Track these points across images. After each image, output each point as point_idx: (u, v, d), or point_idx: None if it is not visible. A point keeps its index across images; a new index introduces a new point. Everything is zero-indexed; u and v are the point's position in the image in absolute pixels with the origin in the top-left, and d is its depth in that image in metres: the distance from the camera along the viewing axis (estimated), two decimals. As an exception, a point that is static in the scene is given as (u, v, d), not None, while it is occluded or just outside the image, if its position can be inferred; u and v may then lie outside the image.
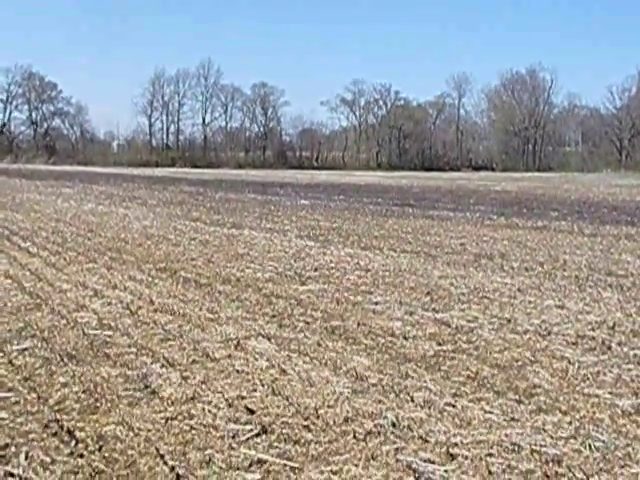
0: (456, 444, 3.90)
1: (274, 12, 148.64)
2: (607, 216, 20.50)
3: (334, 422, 4.18)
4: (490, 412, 4.37)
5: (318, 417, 4.25)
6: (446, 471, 3.60)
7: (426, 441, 3.94)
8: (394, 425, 4.15)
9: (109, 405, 4.40)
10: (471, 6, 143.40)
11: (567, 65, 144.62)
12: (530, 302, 7.69)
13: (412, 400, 4.56)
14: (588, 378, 5.03)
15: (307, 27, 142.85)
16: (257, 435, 3.97)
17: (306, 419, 4.22)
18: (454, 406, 4.47)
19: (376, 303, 7.53)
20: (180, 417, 4.22)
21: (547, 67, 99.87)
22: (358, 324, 6.57)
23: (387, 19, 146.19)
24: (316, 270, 9.66)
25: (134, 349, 5.66)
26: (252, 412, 4.30)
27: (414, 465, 3.66)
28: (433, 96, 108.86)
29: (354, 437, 3.98)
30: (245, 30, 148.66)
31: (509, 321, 6.78)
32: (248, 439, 3.92)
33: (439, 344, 5.93)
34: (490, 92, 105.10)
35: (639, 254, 11.87)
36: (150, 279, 8.89)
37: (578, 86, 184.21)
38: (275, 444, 3.87)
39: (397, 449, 3.84)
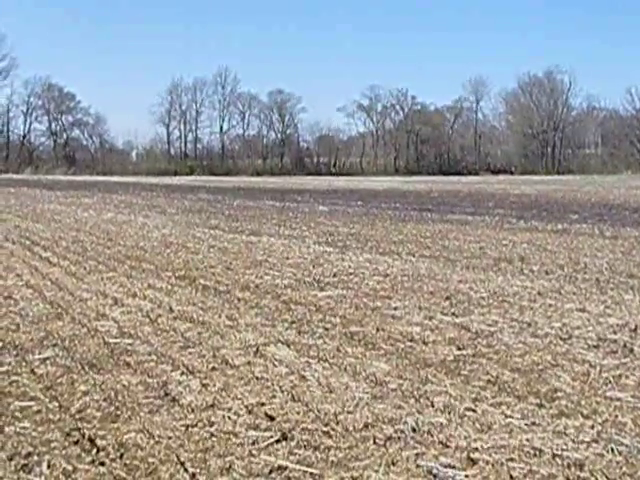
0: (477, 449, 3.88)
1: (289, 19, 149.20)
2: (628, 218, 20.33)
3: (354, 428, 4.18)
4: (511, 416, 4.34)
5: (338, 423, 4.25)
6: (467, 476, 3.58)
7: (446, 446, 3.93)
8: (414, 430, 4.13)
9: (130, 413, 4.42)
10: (486, 9, 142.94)
11: (585, 67, 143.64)
12: (550, 305, 7.64)
13: (432, 405, 4.55)
14: (610, 381, 4.99)
15: (323, 34, 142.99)
16: (277, 441, 3.98)
17: (326, 425, 4.21)
18: (474, 411, 4.45)
19: (395, 308, 7.51)
20: (200, 424, 4.23)
21: (565, 69, 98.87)
22: (377, 329, 6.56)
23: (402, 25, 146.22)
24: (335, 276, 9.67)
25: (154, 357, 5.69)
26: (272, 419, 4.31)
27: (434, 470, 3.64)
28: (450, 100, 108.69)
29: (374, 443, 3.97)
30: (261, 38, 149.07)
31: (529, 325, 6.74)
32: (268, 446, 3.93)
33: (459, 349, 5.90)
34: (508, 95, 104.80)
35: (661, 256, 11.76)
36: (169, 287, 8.93)
37: (597, 88, 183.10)
38: (295, 450, 3.87)
39: (417, 454, 3.83)
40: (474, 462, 3.73)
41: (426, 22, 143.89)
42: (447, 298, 8.05)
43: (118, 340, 6.23)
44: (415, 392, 4.79)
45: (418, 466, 3.70)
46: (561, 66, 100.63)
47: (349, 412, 4.42)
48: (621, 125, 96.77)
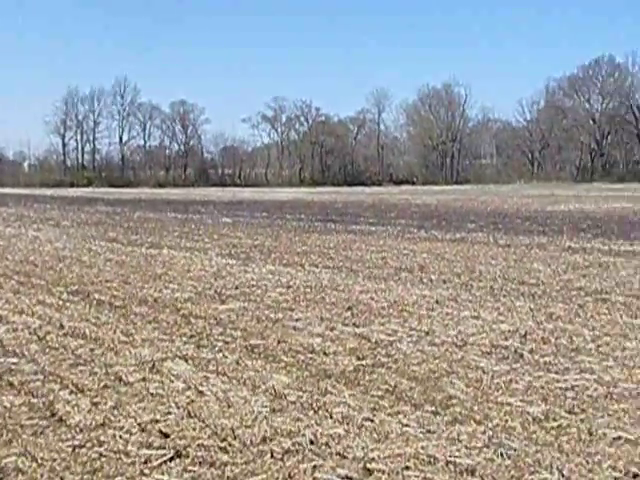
0: (373, 459, 3.90)
1: (190, 35, 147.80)
2: (520, 226, 21.11)
3: (251, 442, 4.13)
4: (407, 425, 4.40)
5: (235, 438, 4.20)
6: (363, 487, 3.60)
7: (344, 457, 3.94)
8: (312, 442, 4.13)
9: (11, 435, 4.23)
10: (389, 23, 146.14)
11: (481, 80, 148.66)
12: (447, 314, 7.82)
13: (331, 416, 4.56)
14: (501, 387, 5.14)
15: (226, 50, 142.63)
16: (170, 459, 3.89)
17: (222, 440, 4.15)
18: (372, 421, 4.48)
19: (297, 320, 7.51)
20: (89, 444, 4.09)
21: (462, 82, 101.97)
22: (278, 342, 6.54)
23: (304, 41, 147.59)
24: (237, 288, 9.59)
25: (40, 376, 5.47)
26: (166, 436, 4.21)
27: (331, 482, 3.64)
28: (354, 112, 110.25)
29: (272, 456, 3.94)
30: (162, 49, 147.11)
31: (427, 333, 6.87)
32: (161, 464, 3.84)
33: (359, 359, 5.95)
34: (408, 107, 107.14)
35: (549, 263, 12.25)
36: (61, 303, 8.63)
37: (491, 100, 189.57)
38: (189, 468, 3.79)
39: (315, 467, 3.82)
40: (370, 472, 3.75)
41: (328, 36, 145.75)
42: (349, 308, 8.11)
43: (1, 360, 5.95)
44: (314, 404, 4.79)
45: (315, 479, 3.69)
46: (458, 78, 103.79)
47: (247, 426, 4.38)
48: (513, 136, 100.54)
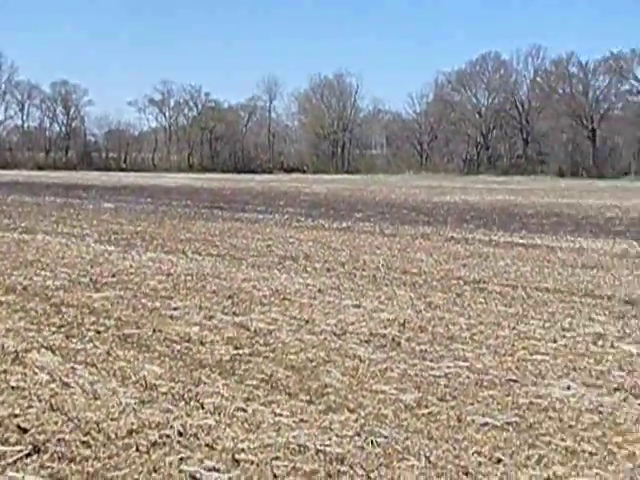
0: (243, 449, 3.82)
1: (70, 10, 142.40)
2: (407, 216, 21.55)
3: (116, 435, 3.96)
4: (280, 414, 4.34)
5: (99, 431, 4.01)
6: (230, 478, 3.51)
7: (213, 448, 3.83)
8: (181, 434, 4.00)
9: None
10: (281, 10, 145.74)
11: (372, 71, 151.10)
12: (329, 302, 7.83)
13: (202, 407, 4.44)
14: (377, 375, 5.16)
15: (110, 27, 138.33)
16: (27, 455, 3.67)
17: (86, 434, 3.96)
18: (245, 410, 4.40)
19: (175, 308, 7.32)
20: (-62, 443, 3.81)
21: (353, 72, 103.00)
22: (154, 331, 6.34)
23: (197, 20, 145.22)
24: (114, 276, 9.26)
25: None
26: (25, 431, 3.97)
27: (198, 475, 3.54)
28: (244, 99, 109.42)
29: (137, 450, 3.79)
30: (37, 25, 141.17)
31: (307, 322, 6.85)
32: (16, 461, 3.61)
33: (236, 348, 5.85)
34: (300, 96, 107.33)
35: (432, 252, 12.54)
36: None
37: (383, 92, 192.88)
38: (47, 464, 3.59)
39: (182, 459, 3.70)
40: (239, 463, 3.67)
41: (222, 19, 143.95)
42: (229, 297, 7.98)
43: None
44: (186, 394, 4.65)
45: (181, 471, 3.57)
46: (350, 68, 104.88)
47: (113, 419, 4.20)
48: (403, 128, 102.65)
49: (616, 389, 4.94)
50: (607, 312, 7.54)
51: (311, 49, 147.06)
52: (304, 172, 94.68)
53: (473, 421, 4.27)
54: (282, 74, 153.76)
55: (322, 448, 3.83)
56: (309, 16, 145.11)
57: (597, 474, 3.62)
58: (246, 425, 4.16)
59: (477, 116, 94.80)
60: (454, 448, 3.86)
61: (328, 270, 10.21)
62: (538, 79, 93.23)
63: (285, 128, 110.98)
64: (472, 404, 4.58)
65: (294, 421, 4.23)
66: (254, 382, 4.96)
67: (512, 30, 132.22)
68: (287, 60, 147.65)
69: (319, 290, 8.55)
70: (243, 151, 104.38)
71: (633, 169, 79.23)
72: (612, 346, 6.13)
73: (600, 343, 6.23)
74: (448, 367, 5.39)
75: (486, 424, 4.22)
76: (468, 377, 5.16)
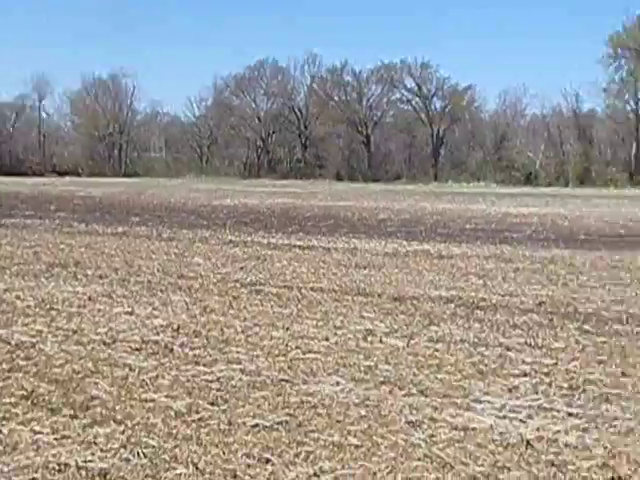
0: (-3, 474, 3.53)
1: None
2: (185, 220, 21.32)
3: None
4: (40, 432, 4.07)
5: None
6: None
7: (-40, 477, 3.50)
8: None
9: None
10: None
11: (149, 74, 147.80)
12: (100, 310, 7.51)
13: (-51, 432, 4.04)
14: (147, 383, 5.01)
15: None
16: None
17: None
18: (0, 432, 4.07)
19: None
20: None
21: (129, 73, 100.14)
22: None
23: None
24: None
25: None
26: None
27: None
28: (12, 97, 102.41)
29: None
30: None
31: (75, 332, 6.52)
32: None
33: (-9, 364, 5.41)
34: (73, 95, 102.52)
35: (210, 256, 12.49)
36: None
37: (161, 94, 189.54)
38: None
39: None
40: (-10, 491, 3.37)
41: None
42: (-13, 309, 7.39)
43: None
44: None
45: None
46: (126, 69, 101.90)
47: None
48: (183, 131, 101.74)
49: (382, 382, 5.19)
50: (377, 309, 7.93)
51: (86, 48, 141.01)
52: (79, 175, 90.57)
53: (244, 423, 4.28)
54: (54, 72, 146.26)
55: (84, 464, 3.64)
56: (87, 13, 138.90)
57: (361, 465, 3.76)
58: (1, 447, 3.85)
59: (257, 120, 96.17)
60: (224, 452, 3.84)
61: (100, 277, 9.80)
62: (315, 86, 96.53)
63: (58, 129, 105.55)
64: (243, 406, 4.59)
65: (55, 438, 3.99)
66: (12, 400, 4.62)
67: (289, 38, 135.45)
68: (59, 57, 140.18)
69: (89, 298, 8.18)
70: (11, 153, 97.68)
71: (404, 173, 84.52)
72: (380, 341, 6.44)
73: (370, 339, 6.52)
74: (221, 371, 5.37)
75: (256, 425, 4.24)
76: (241, 380, 5.17)
